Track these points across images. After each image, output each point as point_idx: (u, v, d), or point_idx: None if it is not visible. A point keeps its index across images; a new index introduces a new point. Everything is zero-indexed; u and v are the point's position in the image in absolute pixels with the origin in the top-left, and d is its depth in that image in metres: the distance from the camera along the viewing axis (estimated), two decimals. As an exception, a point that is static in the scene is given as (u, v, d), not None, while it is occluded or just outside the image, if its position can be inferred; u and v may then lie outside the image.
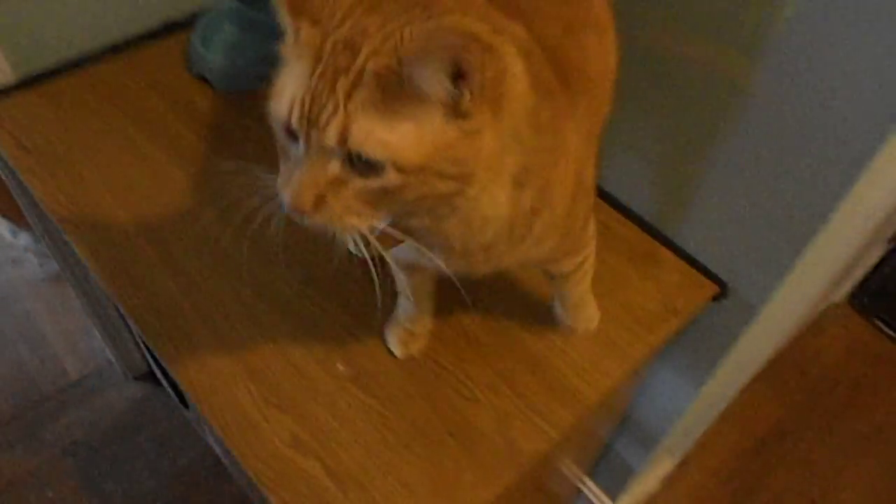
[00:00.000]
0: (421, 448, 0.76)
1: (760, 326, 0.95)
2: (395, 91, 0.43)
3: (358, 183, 0.46)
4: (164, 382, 1.38)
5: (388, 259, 0.56)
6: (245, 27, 1.17)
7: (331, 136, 0.44)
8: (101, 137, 1.04)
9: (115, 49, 1.16)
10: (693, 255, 0.95)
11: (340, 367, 0.82)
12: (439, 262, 0.58)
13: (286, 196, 0.47)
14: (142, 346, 1.47)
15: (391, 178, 0.45)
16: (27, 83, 1.09)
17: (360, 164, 0.45)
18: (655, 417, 1.18)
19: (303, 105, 0.45)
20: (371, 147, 0.44)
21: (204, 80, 1.13)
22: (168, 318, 0.84)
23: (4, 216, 1.86)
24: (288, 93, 0.46)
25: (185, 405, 1.18)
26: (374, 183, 0.46)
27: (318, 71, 0.44)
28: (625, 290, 0.91)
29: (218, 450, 1.14)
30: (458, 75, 0.43)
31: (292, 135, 0.48)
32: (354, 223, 0.48)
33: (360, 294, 0.87)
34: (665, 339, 0.88)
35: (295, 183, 0.46)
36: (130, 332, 1.47)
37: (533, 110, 0.49)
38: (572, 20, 0.61)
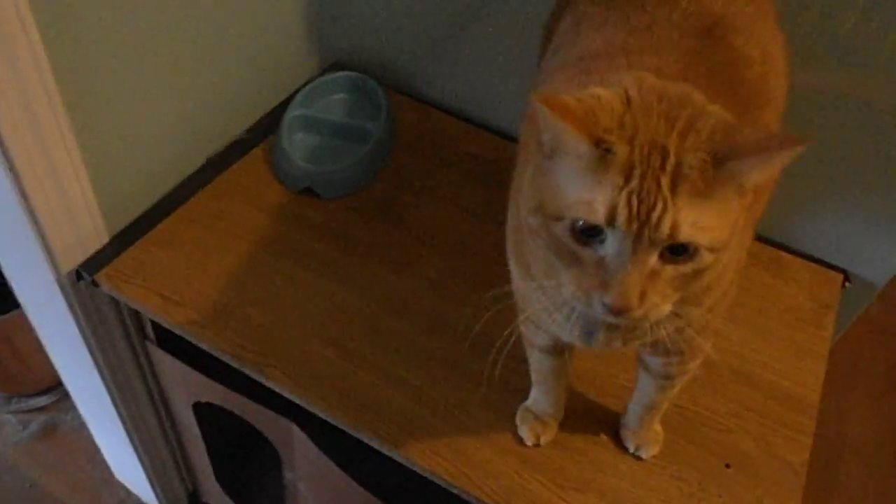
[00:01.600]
0: (714, 487, 0.81)
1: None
2: (704, 181, 0.48)
3: (670, 270, 0.50)
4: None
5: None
6: (320, 132, 1.16)
7: (664, 231, 0.47)
8: (241, 272, 0.97)
9: (193, 182, 1.09)
10: (809, 253, 1.08)
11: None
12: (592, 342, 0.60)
13: (612, 298, 0.49)
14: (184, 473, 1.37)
15: (705, 259, 0.50)
16: (126, 237, 0.99)
17: (676, 253, 0.49)
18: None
19: (630, 206, 0.47)
20: (698, 235, 0.48)
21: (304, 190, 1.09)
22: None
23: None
24: (601, 198, 0.48)
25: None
26: (686, 268, 0.50)
27: (637, 174, 0.47)
28: (778, 296, 1.02)
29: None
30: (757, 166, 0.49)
31: (587, 239, 0.50)
32: (666, 309, 0.51)
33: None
34: (832, 329, 1.00)
35: (621, 283, 0.48)
36: (176, 461, 1.36)
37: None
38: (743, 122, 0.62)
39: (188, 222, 1.02)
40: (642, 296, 0.49)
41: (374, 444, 0.82)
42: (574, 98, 0.50)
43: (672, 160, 0.48)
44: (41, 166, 0.83)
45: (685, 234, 0.48)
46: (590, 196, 0.49)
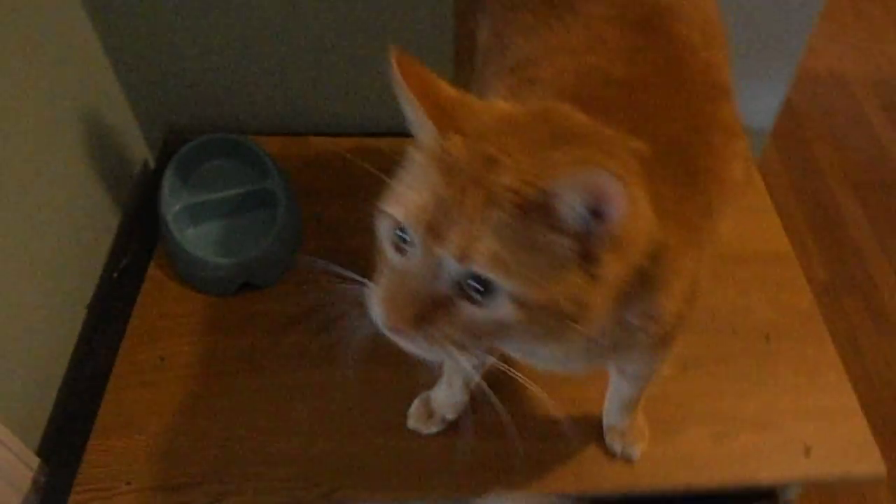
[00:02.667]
0: (768, 364, 0.87)
1: None
2: (532, 217, 0.39)
3: (466, 310, 0.41)
4: None
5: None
6: (213, 215, 0.98)
7: (452, 250, 0.39)
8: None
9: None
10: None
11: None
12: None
13: (381, 309, 0.42)
14: None
15: (506, 310, 0.40)
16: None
17: (474, 290, 0.40)
18: None
19: (426, 212, 0.40)
20: (493, 271, 0.39)
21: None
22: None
23: None
24: (411, 197, 0.41)
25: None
26: (484, 313, 0.41)
27: (454, 181, 0.40)
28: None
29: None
30: (598, 215, 0.39)
31: (399, 245, 0.43)
32: (453, 354, 0.42)
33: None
34: (762, 182, 1.10)
35: (394, 295, 0.41)
36: None
37: (651, 237, 0.45)
38: (698, 121, 0.57)
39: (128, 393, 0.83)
40: (419, 320, 0.41)
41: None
42: (457, 92, 0.44)
43: (498, 179, 0.39)
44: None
45: (477, 262, 0.39)
46: (401, 191, 0.42)
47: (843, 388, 0.85)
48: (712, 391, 0.85)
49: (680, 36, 0.60)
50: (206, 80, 1.07)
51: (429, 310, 0.41)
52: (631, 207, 0.39)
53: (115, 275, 0.96)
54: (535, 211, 0.39)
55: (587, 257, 0.40)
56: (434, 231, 0.40)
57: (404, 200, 0.42)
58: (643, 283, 0.47)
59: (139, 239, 0.99)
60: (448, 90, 0.44)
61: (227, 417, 0.80)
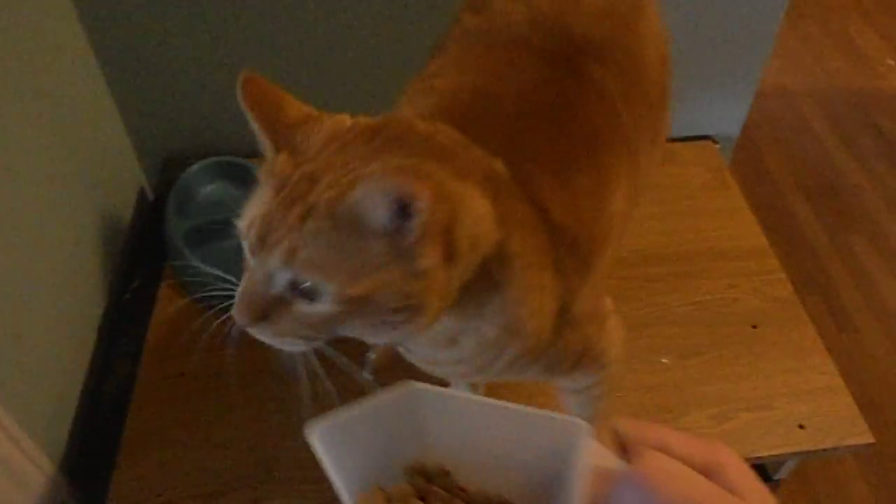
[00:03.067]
0: (759, 346, 0.94)
1: None
2: (343, 224, 0.43)
3: (301, 307, 0.45)
4: None
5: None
6: (222, 235, 0.99)
7: (276, 258, 0.44)
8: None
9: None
10: (680, 135, 1.25)
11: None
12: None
13: (234, 308, 0.46)
14: None
15: (331, 306, 0.45)
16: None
17: (304, 290, 0.45)
18: None
19: (259, 225, 0.45)
20: (311, 274, 0.44)
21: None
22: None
23: None
24: (251, 212, 0.46)
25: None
26: (314, 309, 0.45)
27: (280, 196, 0.45)
28: (686, 180, 1.17)
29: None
30: (403, 216, 0.42)
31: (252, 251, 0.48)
32: (296, 344, 0.48)
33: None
34: (735, 184, 1.18)
35: (243, 296, 0.46)
36: None
37: (498, 244, 0.49)
38: (568, 159, 0.59)
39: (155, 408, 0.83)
40: (261, 316, 0.46)
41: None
42: (307, 111, 0.48)
43: (315, 193, 0.44)
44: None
45: (297, 267, 0.43)
46: (248, 207, 0.47)
47: (828, 368, 0.92)
48: (709, 377, 0.91)
49: (596, 79, 0.61)
50: (202, 104, 1.09)
51: (269, 308, 0.45)
52: (448, 205, 0.43)
53: (127, 296, 0.95)
54: (346, 219, 0.43)
55: (403, 254, 0.44)
56: (263, 241, 0.44)
57: (246, 214, 0.47)
58: (490, 287, 0.50)
59: (146, 261, 1.00)
60: (295, 110, 0.47)
61: (253, 426, 0.81)
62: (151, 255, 1.00)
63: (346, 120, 0.48)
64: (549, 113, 0.59)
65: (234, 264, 1.03)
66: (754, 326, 0.96)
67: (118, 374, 0.86)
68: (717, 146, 1.25)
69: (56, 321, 0.83)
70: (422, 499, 0.35)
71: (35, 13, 0.84)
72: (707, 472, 0.31)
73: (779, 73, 1.98)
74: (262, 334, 0.47)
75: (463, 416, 0.36)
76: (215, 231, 0.98)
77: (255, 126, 0.47)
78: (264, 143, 0.47)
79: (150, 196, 1.14)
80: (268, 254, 0.44)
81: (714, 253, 1.05)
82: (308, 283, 0.44)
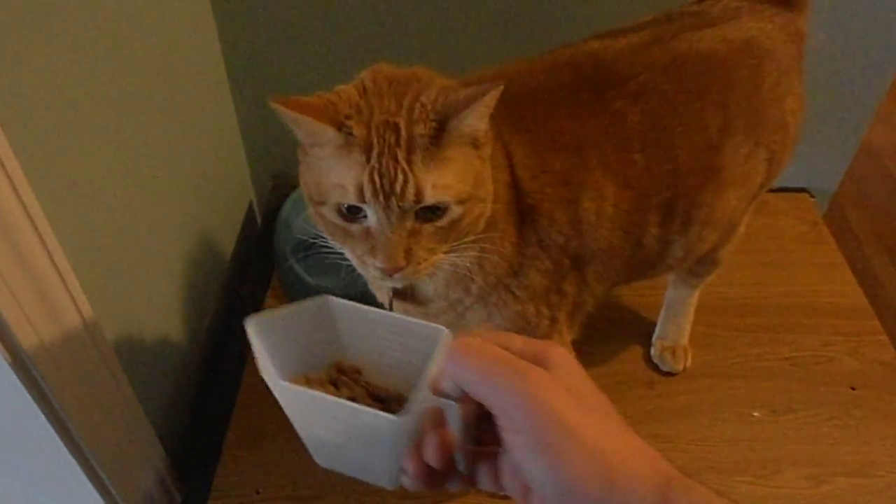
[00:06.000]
0: (856, 409, 0.89)
1: None
2: (437, 144, 0.51)
3: (429, 227, 0.52)
4: None
5: None
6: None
7: (409, 198, 0.50)
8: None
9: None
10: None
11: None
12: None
13: (381, 260, 0.51)
14: None
15: (456, 211, 0.52)
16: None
17: (429, 211, 0.51)
18: None
19: (373, 182, 0.49)
20: (441, 194, 0.50)
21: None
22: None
23: None
24: (344, 180, 0.51)
25: None
26: (442, 223, 0.52)
27: (375, 152, 0.50)
28: (779, 232, 1.13)
29: None
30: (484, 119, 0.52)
31: (352, 216, 0.52)
32: (435, 260, 0.53)
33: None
34: (833, 240, 1.13)
35: (385, 247, 0.51)
36: None
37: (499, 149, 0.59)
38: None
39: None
40: (408, 254, 0.51)
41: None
42: (314, 95, 0.52)
43: (404, 134, 0.50)
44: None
45: (429, 196, 0.50)
46: (340, 179, 0.51)
47: (933, 439, 0.86)
48: (804, 435, 0.86)
49: (611, 105, 0.64)
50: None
51: (409, 242, 0.51)
52: (482, 109, 0.51)
53: (238, 300, 0.99)
54: (439, 137, 0.50)
55: (478, 145, 0.53)
56: (385, 192, 0.49)
57: (339, 186, 0.51)
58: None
59: (255, 271, 1.04)
60: (314, 101, 0.52)
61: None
62: (261, 263, 1.03)
63: (343, 87, 0.54)
64: (556, 103, 0.63)
65: (334, 276, 1.06)
66: (853, 388, 0.91)
67: (227, 375, 0.89)
68: (813, 199, 1.21)
69: (173, 319, 0.86)
70: (334, 384, 0.43)
71: (181, 28, 0.90)
72: (535, 361, 0.36)
73: (868, 130, 1.91)
74: (409, 271, 0.51)
75: (368, 326, 0.43)
76: (318, 245, 1.01)
77: (305, 123, 0.51)
78: (318, 129, 0.51)
79: (259, 209, 1.19)
80: (400, 199, 0.49)
81: (809, 308, 1.01)
82: (435, 202, 0.50)
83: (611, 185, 0.64)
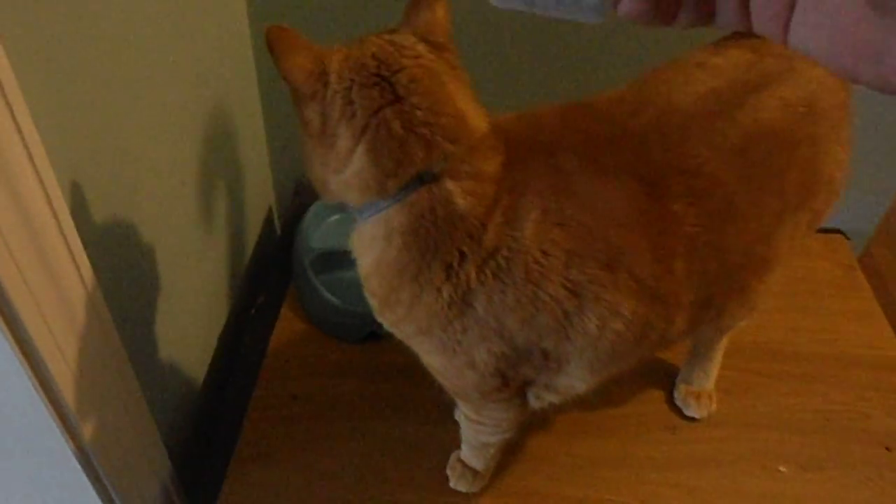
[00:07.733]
0: (889, 471, 0.83)
1: None
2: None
3: None
4: None
5: None
6: (342, 264, 0.98)
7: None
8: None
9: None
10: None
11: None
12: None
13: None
14: None
15: None
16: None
17: None
18: None
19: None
20: None
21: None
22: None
23: None
24: None
25: None
26: None
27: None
28: (811, 274, 1.07)
29: None
30: None
31: None
32: None
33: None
34: (869, 287, 1.07)
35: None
36: None
37: None
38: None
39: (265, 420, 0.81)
40: None
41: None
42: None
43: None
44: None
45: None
46: None
47: (972, 510, 0.80)
48: (832, 496, 0.80)
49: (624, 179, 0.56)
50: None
51: None
52: None
53: (253, 311, 0.96)
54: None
55: None
56: None
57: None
58: None
59: (272, 281, 1.00)
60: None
61: (356, 461, 0.78)
62: (279, 275, 1.00)
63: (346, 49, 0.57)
64: (611, 201, 0.55)
65: (353, 294, 1.02)
66: (888, 449, 0.85)
67: (236, 388, 0.86)
68: (849, 241, 1.15)
69: (184, 325, 0.83)
70: None
71: (216, 31, 0.87)
72: None
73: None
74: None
75: None
76: (338, 259, 0.97)
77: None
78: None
79: (279, 218, 1.16)
80: None
81: (845, 359, 0.95)
82: None
83: (632, 301, 0.54)
